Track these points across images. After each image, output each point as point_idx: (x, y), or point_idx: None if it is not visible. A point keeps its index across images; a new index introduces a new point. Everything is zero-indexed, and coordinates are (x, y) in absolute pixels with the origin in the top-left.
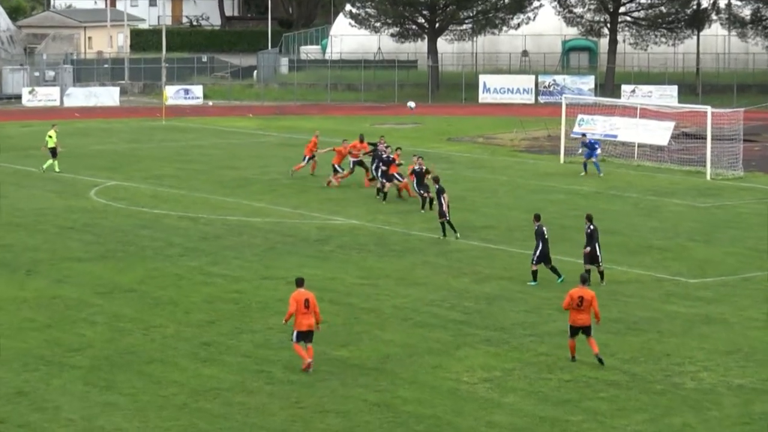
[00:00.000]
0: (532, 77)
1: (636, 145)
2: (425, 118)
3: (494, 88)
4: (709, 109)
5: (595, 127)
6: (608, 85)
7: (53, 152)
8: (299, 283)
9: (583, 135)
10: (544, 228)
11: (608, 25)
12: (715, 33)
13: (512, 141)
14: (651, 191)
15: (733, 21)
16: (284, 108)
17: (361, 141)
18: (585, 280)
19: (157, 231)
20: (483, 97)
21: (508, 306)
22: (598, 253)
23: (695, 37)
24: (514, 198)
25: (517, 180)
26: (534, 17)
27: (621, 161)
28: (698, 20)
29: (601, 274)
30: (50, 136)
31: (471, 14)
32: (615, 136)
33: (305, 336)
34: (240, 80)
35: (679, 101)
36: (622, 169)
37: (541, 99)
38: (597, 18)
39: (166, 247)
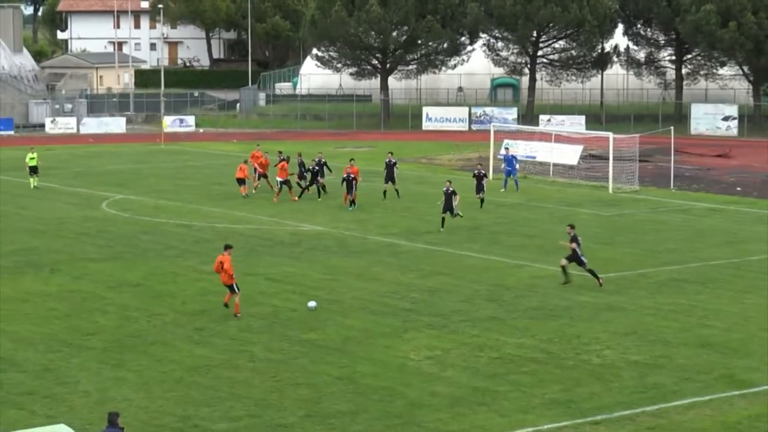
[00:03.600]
0: (466, 108)
1: (551, 165)
2: (378, 142)
3: (435, 118)
4: (611, 135)
5: (518, 149)
6: (528, 115)
7: (34, 170)
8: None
9: (506, 149)
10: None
11: (528, 65)
12: (616, 72)
13: (450, 161)
14: (563, 202)
15: (631, 62)
16: (262, 134)
17: (287, 161)
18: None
19: (158, 236)
20: (426, 125)
21: (447, 297)
22: (581, 257)
23: (600, 76)
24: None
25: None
26: (467, 59)
27: (539, 178)
28: (602, 62)
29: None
30: (32, 158)
31: (416, 57)
32: (534, 157)
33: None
34: (226, 111)
35: (587, 128)
36: (539, 184)
37: (474, 127)
38: (519, 60)
39: (165, 249)
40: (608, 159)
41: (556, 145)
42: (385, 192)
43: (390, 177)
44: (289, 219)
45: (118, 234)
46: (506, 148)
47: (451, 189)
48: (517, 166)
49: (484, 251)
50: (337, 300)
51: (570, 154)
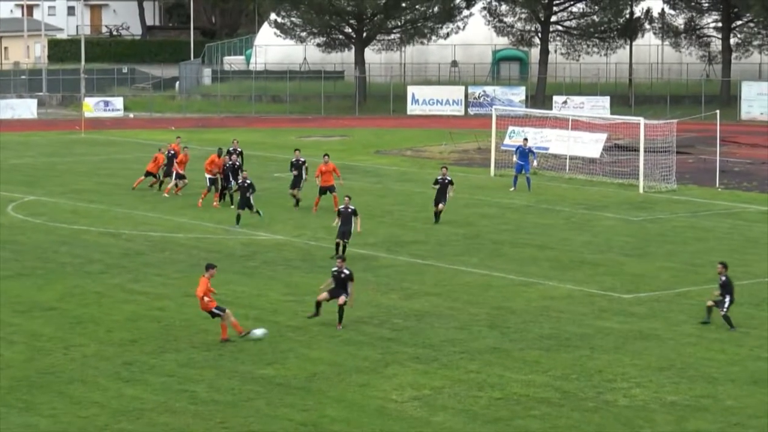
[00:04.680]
0: (462, 88)
1: (567, 158)
2: (352, 130)
3: (423, 100)
4: (641, 120)
5: (526, 139)
6: (539, 96)
7: None
8: None
9: (525, 139)
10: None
11: (539, 34)
12: (648, 43)
13: (441, 154)
14: (583, 205)
15: (667, 30)
16: (207, 120)
17: (219, 156)
18: None
19: (77, 247)
20: (411, 109)
21: (438, 323)
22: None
23: (628, 47)
24: (444, 212)
25: (447, 194)
26: (464, 27)
27: (552, 174)
28: (631, 30)
29: None
30: None
31: (399, 24)
32: (546, 149)
33: None
34: (161, 92)
35: (612, 112)
36: (553, 182)
37: (471, 110)
38: (528, 27)
39: (86, 263)
40: (638, 151)
41: (574, 134)
42: (436, 214)
43: (441, 197)
44: (243, 226)
45: (27, 245)
46: (525, 139)
47: (448, 178)
48: (535, 162)
49: (484, 266)
50: (300, 327)
51: (591, 145)
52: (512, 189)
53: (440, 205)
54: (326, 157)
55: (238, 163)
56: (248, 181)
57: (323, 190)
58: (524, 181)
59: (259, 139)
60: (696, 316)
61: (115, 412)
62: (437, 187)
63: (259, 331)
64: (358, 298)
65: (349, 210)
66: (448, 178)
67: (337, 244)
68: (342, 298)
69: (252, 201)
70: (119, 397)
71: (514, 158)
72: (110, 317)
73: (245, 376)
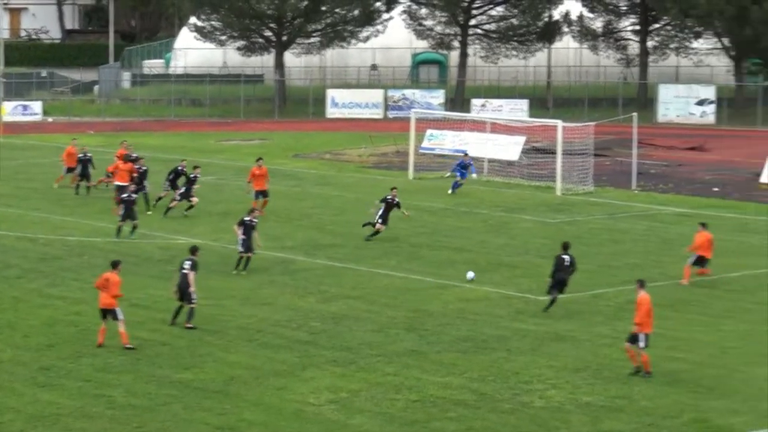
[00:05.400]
0: (381, 91)
1: (486, 161)
2: (272, 133)
3: (342, 103)
4: (559, 123)
5: (444, 142)
6: (458, 99)
7: None
8: (642, 284)
9: (466, 154)
10: (565, 257)
11: (459, 38)
12: (566, 46)
13: (360, 157)
14: (501, 207)
15: (585, 34)
16: (126, 124)
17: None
18: (644, 284)
19: None
20: (331, 112)
21: (355, 326)
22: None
23: (546, 50)
24: (362, 215)
25: (366, 197)
26: (383, 30)
27: (471, 177)
28: (550, 33)
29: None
30: None
31: (319, 27)
32: (464, 152)
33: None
34: (81, 95)
35: (530, 115)
36: (472, 185)
37: (390, 114)
38: (447, 31)
39: (2, 268)
40: (556, 153)
41: (492, 136)
42: (375, 233)
43: (385, 216)
44: (159, 230)
45: None
46: (465, 153)
47: (396, 199)
48: (474, 176)
49: (401, 268)
50: (218, 331)
51: (509, 148)
52: (450, 192)
53: (382, 226)
54: (260, 160)
55: (144, 168)
56: (134, 196)
57: (257, 194)
58: (459, 183)
59: (178, 143)
60: (612, 317)
61: (31, 418)
62: (382, 205)
63: (471, 274)
64: (275, 301)
65: (253, 223)
66: (397, 199)
67: (240, 258)
68: None
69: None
70: (35, 402)
71: (453, 172)
72: (27, 322)
73: (162, 381)
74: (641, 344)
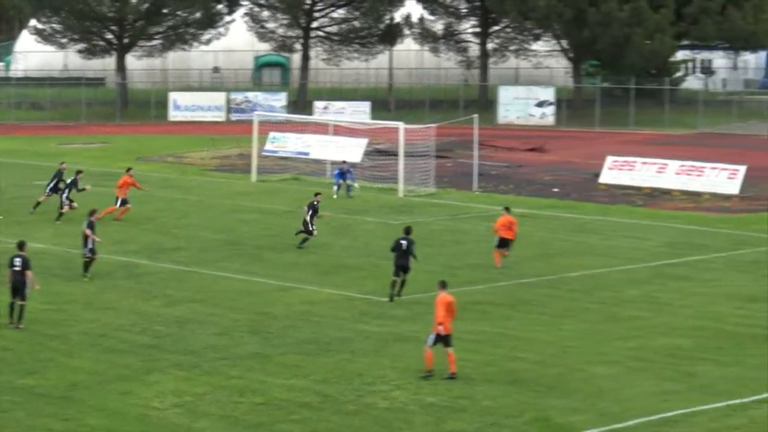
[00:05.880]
0: (224, 94)
1: (329, 163)
2: (114, 137)
3: (185, 106)
4: (401, 125)
5: (287, 144)
6: (301, 102)
7: None
8: (443, 285)
9: (344, 162)
10: (403, 241)
11: (301, 40)
12: (407, 48)
13: (203, 160)
14: (344, 209)
15: (426, 36)
16: None
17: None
18: (445, 285)
19: None
20: (173, 115)
21: (199, 329)
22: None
23: (388, 53)
24: (205, 218)
25: (209, 200)
26: (226, 33)
27: (314, 179)
28: (391, 35)
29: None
30: None
31: (161, 30)
32: (307, 154)
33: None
34: None
35: (372, 117)
36: (314, 187)
37: (233, 116)
38: (289, 33)
39: None
40: (398, 155)
41: (335, 139)
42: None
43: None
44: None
45: None
46: (344, 162)
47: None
48: (349, 182)
49: (244, 271)
50: (60, 336)
51: (352, 150)
52: (335, 197)
53: (315, 231)
54: (130, 171)
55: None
56: None
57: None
58: (345, 187)
59: (18, 146)
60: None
61: None
62: (309, 211)
63: None
64: (119, 306)
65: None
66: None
67: (86, 262)
68: None
69: None
70: None
71: (335, 177)
72: None
73: (4, 386)
74: (429, 342)
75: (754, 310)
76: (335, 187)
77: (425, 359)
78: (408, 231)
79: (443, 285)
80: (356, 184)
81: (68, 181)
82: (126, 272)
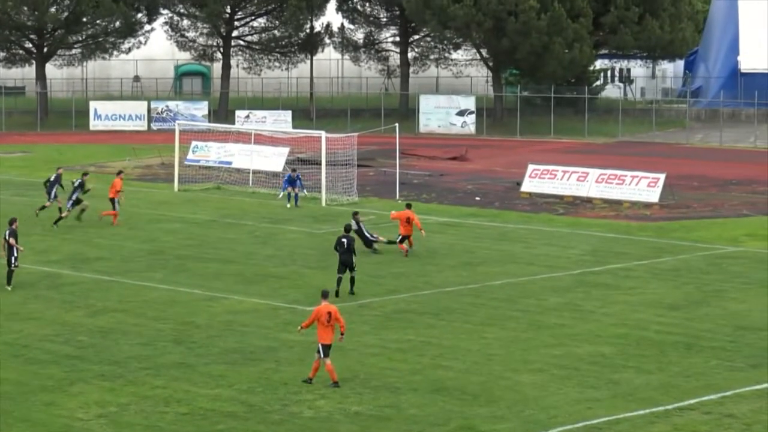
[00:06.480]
0: (145, 103)
1: (251, 172)
2: (34, 146)
3: (106, 115)
4: (323, 134)
5: (209, 154)
6: (222, 111)
7: None
8: (324, 295)
9: (294, 170)
10: (344, 239)
11: (221, 49)
12: (328, 57)
13: (125, 169)
14: (267, 218)
15: (346, 45)
16: None
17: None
18: (326, 295)
19: None
20: (94, 125)
21: (123, 339)
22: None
23: (309, 62)
24: (128, 228)
25: (131, 209)
26: (145, 41)
27: (236, 188)
28: (311, 44)
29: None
30: None
31: (80, 38)
32: (230, 163)
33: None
34: None
35: (294, 126)
36: (237, 196)
37: (154, 126)
38: (210, 42)
39: None
40: (320, 164)
41: (257, 148)
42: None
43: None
44: None
45: None
46: (294, 170)
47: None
48: (297, 190)
49: (168, 281)
50: None
51: (274, 159)
52: (288, 205)
53: (378, 238)
54: (121, 173)
55: None
56: None
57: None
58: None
59: None
60: (378, 327)
61: None
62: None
63: None
64: (42, 316)
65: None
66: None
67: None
68: None
69: None
70: None
71: (283, 184)
72: None
73: None
74: (318, 354)
75: (675, 317)
76: (282, 192)
77: (315, 368)
78: (348, 229)
79: (324, 295)
80: (305, 192)
81: (75, 183)
82: (49, 282)
